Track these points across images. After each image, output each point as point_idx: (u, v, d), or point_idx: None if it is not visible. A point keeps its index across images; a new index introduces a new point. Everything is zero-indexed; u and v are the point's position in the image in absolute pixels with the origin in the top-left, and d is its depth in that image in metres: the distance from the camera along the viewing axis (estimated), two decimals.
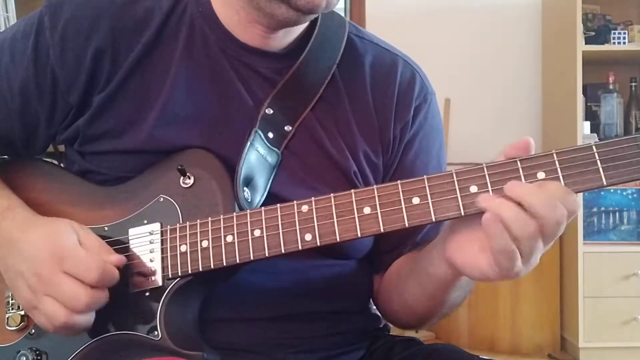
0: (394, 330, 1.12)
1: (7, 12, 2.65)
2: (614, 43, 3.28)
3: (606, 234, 3.20)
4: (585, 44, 3.24)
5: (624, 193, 3.21)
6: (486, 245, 0.78)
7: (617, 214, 3.21)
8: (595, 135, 3.32)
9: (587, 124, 3.33)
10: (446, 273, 0.87)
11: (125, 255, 0.91)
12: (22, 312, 0.95)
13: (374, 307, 1.10)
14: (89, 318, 0.87)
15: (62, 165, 1.05)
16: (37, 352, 0.93)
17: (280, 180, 0.95)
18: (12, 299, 0.96)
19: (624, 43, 3.28)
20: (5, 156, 1.06)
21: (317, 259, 0.97)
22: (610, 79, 3.43)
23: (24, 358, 0.92)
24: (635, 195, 3.21)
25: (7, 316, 0.96)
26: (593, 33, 3.34)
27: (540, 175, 0.77)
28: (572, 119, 3.24)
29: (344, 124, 1.00)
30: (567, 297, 3.29)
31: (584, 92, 3.32)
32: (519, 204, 0.75)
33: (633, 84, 3.44)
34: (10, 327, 0.95)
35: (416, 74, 1.06)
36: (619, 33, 3.28)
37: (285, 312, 0.96)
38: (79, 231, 0.89)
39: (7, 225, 0.92)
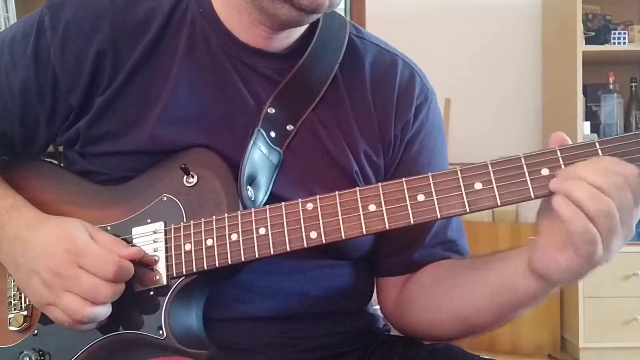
0: (394, 330, 1.12)
1: (7, 12, 2.65)
2: (614, 43, 3.28)
3: None
4: (585, 44, 3.24)
5: None
6: (564, 240, 0.77)
7: None
8: (596, 135, 3.32)
9: (587, 124, 3.33)
10: (532, 286, 0.85)
11: None
12: (25, 313, 0.95)
13: (374, 307, 1.10)
14: (107, 309, 0.87)
15: (62, 165, 1.05)
16: (41, 353, 0.92)
17: (282, 180, 0.95)
18: (14, 299, 0.96)
19: (624, 43, 3.28)
20: (5, 156, 1.06)
21: (318, 260, 0.97)
22: (610, 79, 3.43)
23: (27, 358, 0.92)
24: None
25: (9, 317, 0.95)
26: (593, 33, 3.34)
27: (544, 172, 0.78)
28: (572, 119, 3.24)
29: (345, 124, 1.00)
30: (567, 297, 3.29)
31: (584, 92, 3.32)
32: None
33: (633, 84, 3.44)
34: (12, 327, 0.95)
35: (415, 73, 1.06)
36: (619, 33, 3.28)
37: (286, 312, 0.97)
38: (89, 228, 0.89)
39: (14, 223, 0.92)
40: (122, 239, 0.92)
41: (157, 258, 0.90)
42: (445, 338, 1.03)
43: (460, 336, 1.02)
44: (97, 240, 0.88)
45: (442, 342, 1.04)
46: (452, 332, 1.01)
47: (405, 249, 1.02)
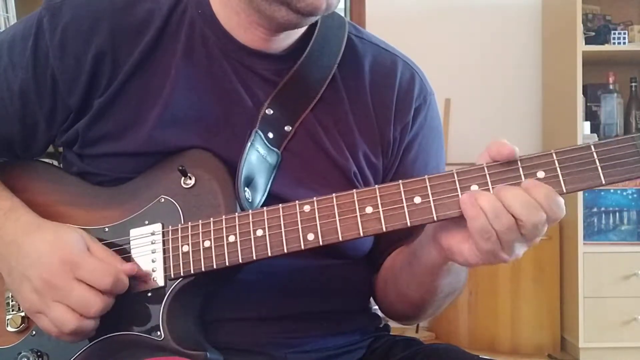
0: (394, 330, 1.12)
1: (7, 12, 2.65)
2: (614, 43, 3.28)
3: (606, 234, 3.21)
4: (585, 44, 3.24)
5: (624, 193, 3.21)
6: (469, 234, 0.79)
7: (617, 214, 3.21)
8: (596, 135, 3.33)
9: (587, 124, 3.33)
10: (435, 256, 0.87)
11: (126, 256, 0.91)
12: (23, 314, 0.94)
13: (374, 306, 1.10)
14: (95, 324, 0.87)
15: (61, 166, 1.05)
16: (38, 354, 0.92)
17: (280, 181, 0.95)
18: (12, 300, 0.96)
19: (624, 43, 3.28)
20: (4, 157, 1.06)
21: (317, 259, 0.97)
22: (610, 79, 3.44)
23: (25, 359, 0.92)
24: (635, 195, 3.22)
25: (7, 318, 0.95)
26: (593, 33, 3.34)
27: (540, 174, 0.78)
28: (572, 119, 3.24)
29: (343, 125, 1.00)
30: (567, 297, 3.29)
31: (584, 92, 3.32)
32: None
33: (633, 84, 3.45)
34: (10, 328, 0.95)
35: (415, 74, 1.06)
36: (619, 33, 3.28)
37: (286, 312, 0.96)
38: (87, 239, 0.89)
39: (10, 226, 0.92)
40: (120, 240, 0.92)
41: (154, 259, 0.90)
42: (402, 317, 1.07)
43: (411, 315, 1.06)
44: (93, 252, 0.88)
45: (441, 342, 1.05)
46: (402, 312, 1.04)
47: (395, 246, 1.03)
